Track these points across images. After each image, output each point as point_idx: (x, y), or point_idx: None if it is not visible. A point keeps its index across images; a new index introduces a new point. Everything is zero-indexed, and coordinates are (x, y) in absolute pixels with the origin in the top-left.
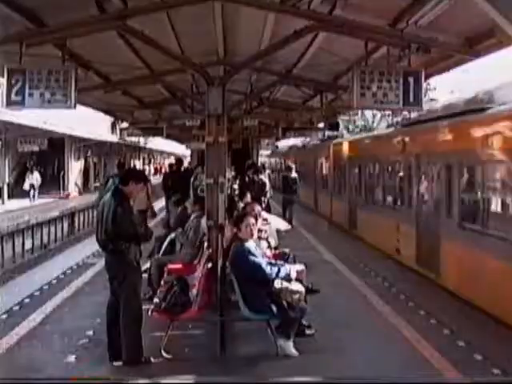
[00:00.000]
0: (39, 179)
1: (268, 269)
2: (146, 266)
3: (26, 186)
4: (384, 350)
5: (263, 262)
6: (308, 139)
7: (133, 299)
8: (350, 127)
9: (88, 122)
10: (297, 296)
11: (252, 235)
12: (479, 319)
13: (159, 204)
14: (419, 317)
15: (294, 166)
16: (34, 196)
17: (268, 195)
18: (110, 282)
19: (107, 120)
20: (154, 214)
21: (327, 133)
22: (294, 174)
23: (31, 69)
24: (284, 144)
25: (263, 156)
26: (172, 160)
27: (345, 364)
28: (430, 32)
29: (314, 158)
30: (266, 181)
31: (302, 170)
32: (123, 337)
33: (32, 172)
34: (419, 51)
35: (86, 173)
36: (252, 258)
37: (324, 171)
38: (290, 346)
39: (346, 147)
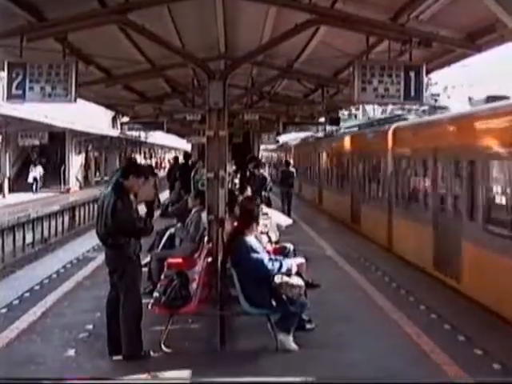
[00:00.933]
0: (42, 172)
1: (270, 265)
2: (146, 260)
3: (30, 179)
4: (384, 344)
5: (265, 258)
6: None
7: (132, 293)
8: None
9: (89, 116)
10: (297, 290)
11: (256, 231)
12: (480, 314)
13: (164, 195)
14: (420, 312)
15: (291, 161)
16: (36, 189)
17: (268, 189)
18: (109, 275)
19: (108, 114)
20: (160, 205)
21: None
22: (291, 169)
23: (32, 63)
24: (292, 136)
25: (268, 150)
26: (173, 154)
27: (345, 359)
28: (431, 26)
29: (349, 152)
30: (267, 175)
31: (327, 169)
32: (123, 331)
33: (35, 165)
34: (420, 46)
35: (86, 167)
36: (254, 255)
37: (374, 172)
38: (289, 341)
39: (430, 133)
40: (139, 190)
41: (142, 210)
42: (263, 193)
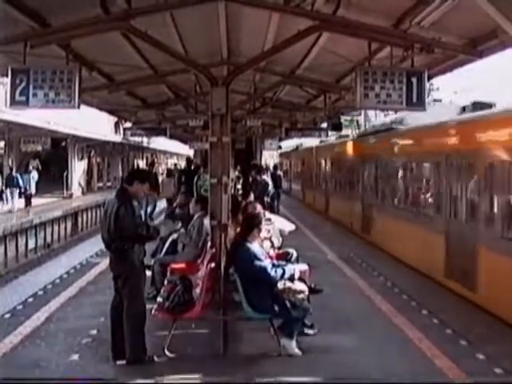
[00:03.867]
0: (39, 166)
1: (273, 272)
2: (149, 264)
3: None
4: (386, 349)
5: (268, 265)
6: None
7: (136, 298)
8: None
9: (90, 121)
10: (300, 295)
11: (260, 238)
12: (481, 318)
13: None
14: (422, 316)
15: (278, 166)
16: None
17: (271, 195)
18: (114, 281)
19: (111, 120)
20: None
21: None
22: (279, 172)
23: (35, 69)
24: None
25: (275, 157)
26: (175, 160)
27: (347, 363)
28: (432, 32)
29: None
30: (269, 181)
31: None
32: (127, 336)
33: (35, 159)
34: (422, 51)
35: (89, 173)
36: (258, 262)
37: None
38: (292, 345)
39: None
40: (143, 194)
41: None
42: (265, 198)
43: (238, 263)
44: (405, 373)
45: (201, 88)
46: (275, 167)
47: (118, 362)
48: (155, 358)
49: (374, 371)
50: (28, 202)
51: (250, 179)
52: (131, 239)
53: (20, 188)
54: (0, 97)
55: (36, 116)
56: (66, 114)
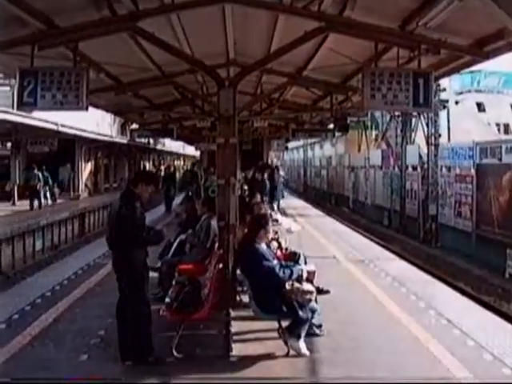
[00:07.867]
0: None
1: (281, 273)
2: (156, 266)
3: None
4: (394, 349)
5: (276, 265)
6: None
7: (139, 300)
8: None
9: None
10: (307, 296)
11: (267, 239)
12: (489, 320)
13: None
14: (429, 316)
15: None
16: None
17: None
18: (118, 281)
19: (117, 121)
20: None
21: None
22: (281, 172)
23: (43, 70)
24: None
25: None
26: (182, 161)
27: (355, 364)
28: (439, 33)
29: None
30: (266, 180)
31: None
32: (132, 337)
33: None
34: (429, 53)
35: (96, 174)
36: (266, 262)
37: None
38: (300, 346)
39: None
40: (148, 196)
41: None
42: (264, 198)
43: (246, 264)
44: (412, 373)
45: (207, 89)
46: (277, 168)
47: (127, 363)
48: (163, 359)
49: (381, 371)
50: (54, 199)
51: (260, 178)
52: (132, 240)
53: (49, 186)
54: (6, 98)
55: (42, 115)
56: (71, 115)
